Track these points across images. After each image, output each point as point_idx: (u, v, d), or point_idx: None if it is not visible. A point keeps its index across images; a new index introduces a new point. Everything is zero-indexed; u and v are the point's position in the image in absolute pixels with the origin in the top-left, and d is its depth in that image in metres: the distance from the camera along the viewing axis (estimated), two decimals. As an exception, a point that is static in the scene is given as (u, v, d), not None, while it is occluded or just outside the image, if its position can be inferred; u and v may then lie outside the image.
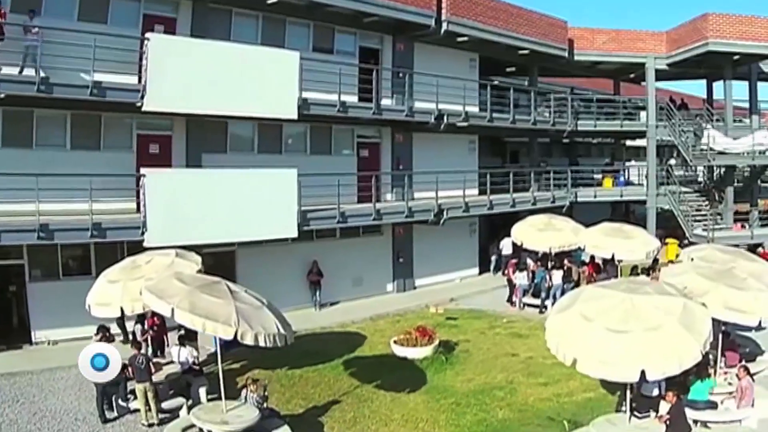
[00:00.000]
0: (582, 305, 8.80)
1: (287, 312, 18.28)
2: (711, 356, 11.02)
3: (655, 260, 18.61)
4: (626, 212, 30.81)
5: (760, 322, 10.14)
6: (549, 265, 18.89)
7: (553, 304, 18.25)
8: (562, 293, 18.37)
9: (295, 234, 16.64)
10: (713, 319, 9.26)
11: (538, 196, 23.38)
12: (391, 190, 20.17)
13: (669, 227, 26.65)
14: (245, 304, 10.19)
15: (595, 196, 25.64)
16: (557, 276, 18.27)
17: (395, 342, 14.70)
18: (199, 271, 12.57)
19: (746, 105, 27.52)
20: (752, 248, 24.46)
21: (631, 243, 16.83)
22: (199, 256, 13.37)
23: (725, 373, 11.35)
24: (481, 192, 21.56)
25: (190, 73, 14.96)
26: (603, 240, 17.04)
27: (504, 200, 21.81)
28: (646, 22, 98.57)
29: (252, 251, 17.52)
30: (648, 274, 17.56)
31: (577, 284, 18.95)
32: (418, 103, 20.12)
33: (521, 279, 18.38)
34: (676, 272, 10.61)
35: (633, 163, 33.76)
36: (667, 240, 25.82)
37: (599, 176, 28.53)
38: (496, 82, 29.59)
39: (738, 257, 12.60)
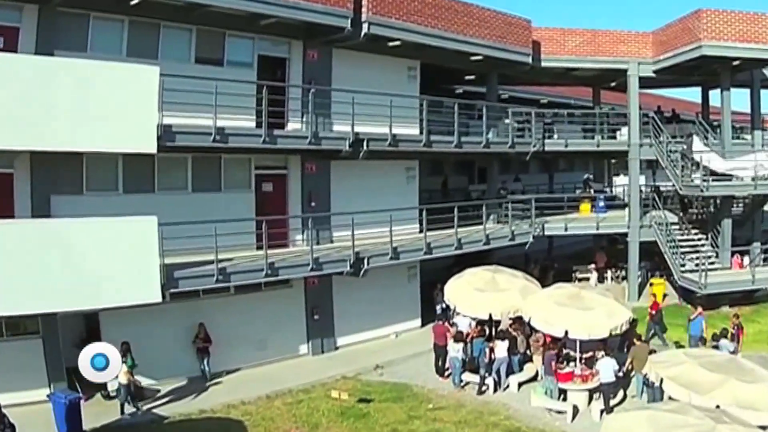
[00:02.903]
0: None
1: (171, 383, 15.34)
2: None
3: (634, 321, 14.71)
4: (611, 237, 26.86)
5: None
6: (492, 331, 15.05)
7: (497, 381, 14.57)
8: (509, 368, 14.65)
9: (158, 299, 12.97)
10: None
11: (494, 232, 19.39)
12: (302, 231, 16.31)
13: (656, 258, 22.66)
14: None
15: (566, 229, 21.61)
16: (501, 348, 14.37)
17: (261, 460, 11.00)
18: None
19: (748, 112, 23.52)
20: (750, 293, 20.54)
21: (590, 317, 12.87)
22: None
23: None
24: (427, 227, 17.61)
25: (13, 99, 11.55)
26: (554, 312, 13.08)
27: (447, 240, 17.85)
28: (630, 23, 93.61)
29: (119, 312, 13.88)
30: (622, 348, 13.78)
31: (527, 355, 15.15)
32: (339, 125, 16.29)
33: (455, 352, 14.50)
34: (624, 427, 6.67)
35: (621, 179, 29.77)
36: (653, 280, 21.94)
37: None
38: (460, 91, 26.03)
39: (730, 375, 8.68)
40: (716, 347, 13.43)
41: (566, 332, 12.88)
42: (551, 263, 24.67)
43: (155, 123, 12.80)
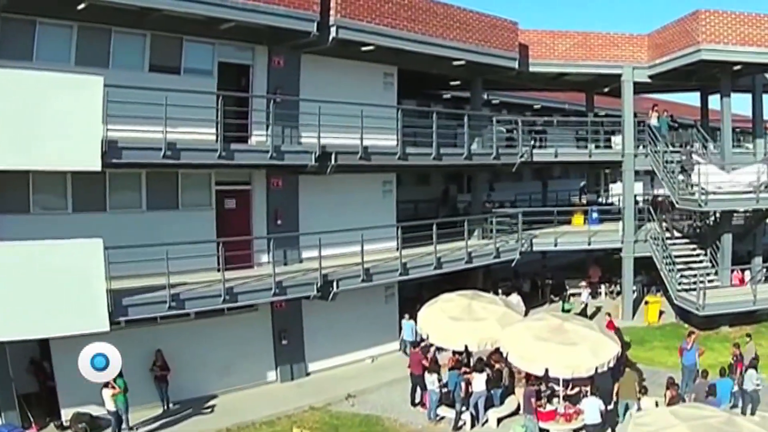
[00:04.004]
0: None
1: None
2: None
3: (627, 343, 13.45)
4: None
5: None
6: (469, 363, 13.87)
7: (474, 416, 13.41)
8: (487, 402, 13.49)
9: (105, 328, 11.93)
10: None
11: (477, 249, 18.19)
12: (268, 251, 15.17)
13: (653, 273, 21.40)
14: None
15: (555, 244, 20.39)
16: (479, 381, 13.19)
17: None
18: None
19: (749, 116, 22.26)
20: (751, 312, 19.28)
21: (573, 353, 11.64)
22: None
23: None
24: (407, 242, 16.42)
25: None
26: (533, 347, 11.88)
27: (426, 259, 16.67)
28: (625, 26, 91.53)
29: (70, 340, 12.80)
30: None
31: (509, 387, 13.98)
32: (308, 137, 15.13)
33: (432, 384, 13.35)
34: None
35: (619, 186, 28.52)
36: (648, 298, 20.74)
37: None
38: (447, 96, 24.84)
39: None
40: (713, 386, 12.25)
41: (546, 370, 11.68)
42: (543, 277, 23.49)
43: (99, 138, 11.71)
